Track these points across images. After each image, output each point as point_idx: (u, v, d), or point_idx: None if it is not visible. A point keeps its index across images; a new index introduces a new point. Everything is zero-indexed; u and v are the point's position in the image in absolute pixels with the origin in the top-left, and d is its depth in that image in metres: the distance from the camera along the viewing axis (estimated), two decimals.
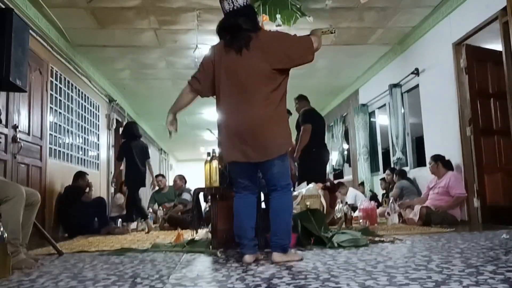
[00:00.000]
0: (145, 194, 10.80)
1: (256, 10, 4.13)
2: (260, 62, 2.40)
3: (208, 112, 9.95)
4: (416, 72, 6.01)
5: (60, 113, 5.71)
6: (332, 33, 2.63)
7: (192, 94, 2.63)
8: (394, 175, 6.25)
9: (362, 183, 7.98)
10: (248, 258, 2.42)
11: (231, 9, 2.47)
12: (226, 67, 2.47)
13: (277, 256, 2.40)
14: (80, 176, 5.64)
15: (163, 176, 7.55)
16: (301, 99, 5.36)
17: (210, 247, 3.05)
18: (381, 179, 7.14)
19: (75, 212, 5.18)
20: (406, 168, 6.38)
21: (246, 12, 2.49)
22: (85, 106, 6.71)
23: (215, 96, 2.60)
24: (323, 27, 2.77)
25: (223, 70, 2.47)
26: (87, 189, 5.67)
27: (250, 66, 2.41)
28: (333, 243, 2.97)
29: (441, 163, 5.08)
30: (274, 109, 2.42)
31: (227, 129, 2.49)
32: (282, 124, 2.48)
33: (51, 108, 5.37)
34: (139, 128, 6.20)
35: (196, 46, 5.74)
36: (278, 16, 4.28)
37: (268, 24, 4.67)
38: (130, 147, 5.63)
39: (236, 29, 2.44)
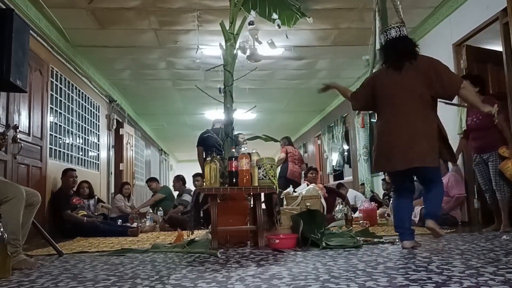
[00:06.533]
0: (145, 196, 10.82)
1: (254, 8, 4.15)
2: (415, 82, 2.84)
3: (209, 112, 9.94)
4: None
5: (60, 113, 5.71)
6: None
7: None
8: None
9: (363, 184, 7.98)
10: (407, 243, 2.81)
11: (397, 36, 2.96)
12: (385, 84, 2.92)
13: (431, 222, 2.80)
14: (63, 175, 5.31)
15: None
16: None
17: (210, 247, 3.05)
18: (382, 180, 7.13)
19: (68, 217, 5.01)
20: None
21: (409, 39, 3.01)
22: (85, 106, 6.71)
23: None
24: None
25: (382, 87, 2.94)
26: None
27: (406, 85, 2.85)
28: (323, 243, 3.02)
29: (445, 163, 5.08)
30: (423, 124, 2.79)
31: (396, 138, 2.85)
32: (428, 138, 2.80)
33: (51, 108, 5.36)
34: None
35: (198, 47, 5.74)
36: (275, 16, 4.24)
37: (267, 24, 4.67)
38: None
39: (403, 51, 2.92)
